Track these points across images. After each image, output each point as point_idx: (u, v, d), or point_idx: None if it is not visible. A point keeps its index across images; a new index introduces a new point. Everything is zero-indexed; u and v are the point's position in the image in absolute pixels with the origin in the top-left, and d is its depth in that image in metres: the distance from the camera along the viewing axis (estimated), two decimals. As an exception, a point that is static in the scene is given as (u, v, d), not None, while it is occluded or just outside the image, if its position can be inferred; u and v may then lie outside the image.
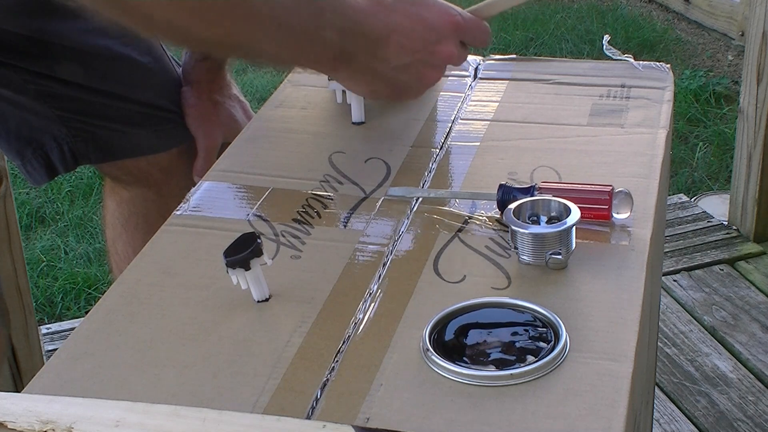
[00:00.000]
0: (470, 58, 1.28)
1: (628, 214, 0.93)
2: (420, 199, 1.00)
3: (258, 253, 0.84)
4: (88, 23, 1.29)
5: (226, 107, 1.41)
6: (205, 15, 0.92)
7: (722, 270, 2.24)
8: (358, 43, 0.97)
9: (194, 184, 1.05)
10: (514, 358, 0.77)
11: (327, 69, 1.02)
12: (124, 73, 1.35)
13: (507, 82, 1.23)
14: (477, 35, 1.07)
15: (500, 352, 0.78)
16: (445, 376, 0.76)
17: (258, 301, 0.85)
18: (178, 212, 0.99)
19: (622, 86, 1.20)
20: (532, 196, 0.93)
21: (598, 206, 0.93)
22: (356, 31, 0.97)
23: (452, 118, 1.15)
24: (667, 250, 2.26)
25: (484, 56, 1.29)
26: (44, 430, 0.64)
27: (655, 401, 1.74)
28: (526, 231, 0.87)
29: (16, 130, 1.35)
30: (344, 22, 0.96)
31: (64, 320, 2.30)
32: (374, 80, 1.02)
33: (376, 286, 0.87)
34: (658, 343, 1.94)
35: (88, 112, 1.33)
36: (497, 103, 1.18)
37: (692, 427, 1.81)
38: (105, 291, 0.88)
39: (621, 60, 1.24)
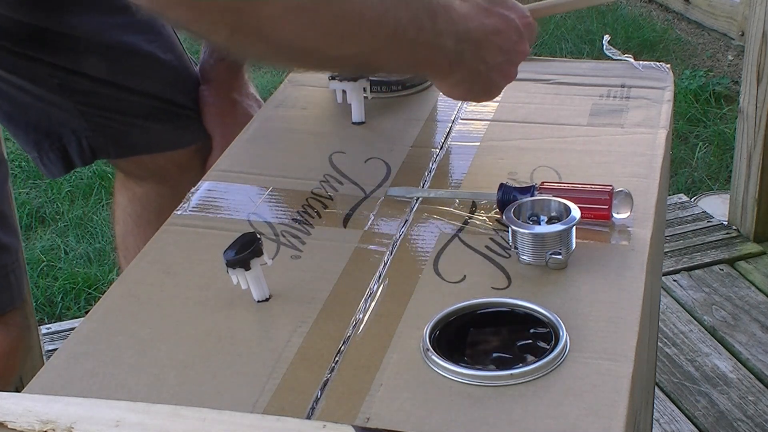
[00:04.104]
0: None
1: (628, 214, 0.93)
2: (420, 199, 1.00)
3: (258, 253, 0.84)
4: (114, 19, 1.31)
5: (243, 106, 1.43)
6: (336, 35, 0.93)
7: (722, 270, 2.23)
8: (467, 48, 1.01)
9: None
10: (514, 358, 0.77)
11: (442, 75, 1.05)
12: (147, 69, 1.37)
13: (507, 82, 1.23)
14: (535, 34, 1.12)
15: (500, 352, 0.78)
16: (445, 376, 0.76)
17: (258, 301, 0.85)
18: (178, 212, 0.99)
19: (622, 86, 1.20)
20: (532, 196, 0.93)
21: (598, 206, 0.93)
22: (466, 37, 1.00)
23: (452, 118, 1.15)
24: (667, 250, 2.25)
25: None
26: (44, 430, 0.64)
27: (655, 401, 1.73)
28: (526, 231, 0.87)
29: (35, 122, 1.36)
30: (456, 28, 0.99)
31: (64, 320, 2.30)
32: (475, 82, 1.05)
33: (376, 286, 0.87)
34: (658, 343, 1.94)
35: (109, 107, 1.35)
36: (497, 103, 1.17)
37: (692, 427, 1.80)
38: (105, 291, 0.88)
39: (621, 60, 1.24)
